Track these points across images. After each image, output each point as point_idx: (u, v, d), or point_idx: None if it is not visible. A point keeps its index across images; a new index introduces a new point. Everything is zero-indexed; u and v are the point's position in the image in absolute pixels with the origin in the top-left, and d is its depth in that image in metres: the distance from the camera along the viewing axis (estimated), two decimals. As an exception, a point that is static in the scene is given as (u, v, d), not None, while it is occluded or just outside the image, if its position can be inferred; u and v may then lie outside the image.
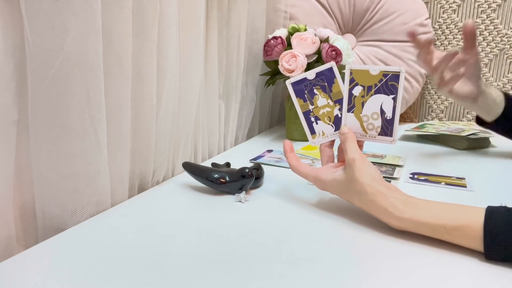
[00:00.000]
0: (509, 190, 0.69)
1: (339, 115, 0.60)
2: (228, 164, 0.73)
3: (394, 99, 0.57)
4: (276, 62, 0.99)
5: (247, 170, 0.65)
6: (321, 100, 0.60)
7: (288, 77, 0.98)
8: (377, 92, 0.57)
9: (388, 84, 0.57)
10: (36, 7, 0.47)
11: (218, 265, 0.45)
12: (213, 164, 0.72)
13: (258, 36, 1.07)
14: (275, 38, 0.99)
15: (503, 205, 0.47)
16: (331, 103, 0.60)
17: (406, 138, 1.09)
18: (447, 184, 0.72)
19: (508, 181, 0.74)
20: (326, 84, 0.59)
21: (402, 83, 0.56)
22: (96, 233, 0.53)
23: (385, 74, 0.56)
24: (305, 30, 1.03)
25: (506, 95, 0.83)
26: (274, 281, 0.42)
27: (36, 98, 0.50)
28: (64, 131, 0.53)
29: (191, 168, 0.68)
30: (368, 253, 0.48)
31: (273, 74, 1.05)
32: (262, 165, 0.74)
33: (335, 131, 0.61)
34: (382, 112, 0.58)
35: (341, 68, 1.04)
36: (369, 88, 0.58)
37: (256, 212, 0.60)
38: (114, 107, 0.60)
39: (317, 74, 0.59)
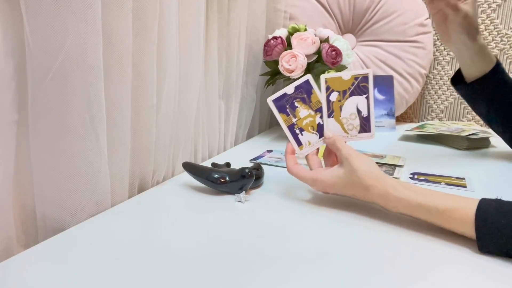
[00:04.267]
0: (509, 190, 0.69)
1: (321, 123, 0.64)
2: (228, 164, 0.73)
3: (367, 98, 0.63)
4: (276, 62, 0.99)
5: (247, 170, 0.65)
6: (303, 111, 0.63)
7: (288, 78, 0.98)
8: (352, 94, 0.63)
9: (360, 86, 0.63)
10: (36, 7, 0.47)
11: (218, 265, 0.45)
12: (213, 164, 0.72)
13: (258, 36, 1.07)
14: (275, 38, 0.99)
15: (499, 198, 0.49)
16: (312, 112, 0.64)
17: (406, 138, 1.09)
18: (447, 184, 0.72)
19: (508, 181, 0.74)
20: (305, 95, 0.63)
21: (371, 83, 0.63)
22: (96, 233, 0.53)
23: (356, 78, 0.63)
24: (305, 30, 1.02)
25: (497, 62, 0.81)
26: (274, 281, 0.42)
27: (36, 98, 0.50)
28: (64, 131, 0.53)
29: (191, 168, 0.68)
30: (368, 253, 0.48)
31: (273, 74, 1.05)
32: (262, 165, 0.74)
33: (319, 138, 0.65)
34: (359, 111, 0.63)
35: (341, 68, 1.04)
36: (344, 92, 0.63)
37: (256, 212, 0.60)
38: (114, 107, 0.60)
39: (296, 88, 0.63)
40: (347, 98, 0.63)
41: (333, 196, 0.64)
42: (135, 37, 0.61)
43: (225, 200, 0.64)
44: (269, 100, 0.63)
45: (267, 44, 1.00)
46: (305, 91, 0.63)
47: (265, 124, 1.24)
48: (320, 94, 0.63)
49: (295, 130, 0.63)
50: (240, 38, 0.96)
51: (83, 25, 0.51)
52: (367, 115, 0.63)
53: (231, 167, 0.72)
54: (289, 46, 1.00)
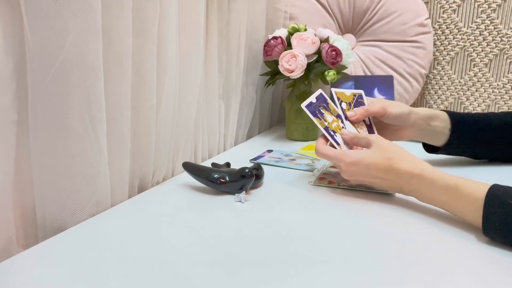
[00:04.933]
0: (509, 190, 0.69)
1: (344, 127, 0.72)
2: (228, 164, 0.73)
3: None
4: (276, 62, 0.99)
5: (247, 170, 0.65)
6: (329, 117, 0.70)
7: (288, 78, 0.98)
8: (355, 106, 0.75)
9: (358, 101, 0.76)
10: (36, 7, 0.47)
11: (218, 265, 0.45)
12: (213, 164, 0.72)
13: (258, 36, 1.07)
14: (275, 38, 0.99)
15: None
16: (335, 118, 0.71)
17: (406, 138, 1.08)
18: (447, 184, 0.72)
19: (508, 182, 0.74)
20: (324, 104, 0.72)
21: (366, 100, 0.76)
22: (96, 233, 0.53)
23: (354, 94, 0.76)
24: (305, 30, 1.02)
25: (448, 113, 0.79)
26: (274, 281, 0.42)
27: (36, 98, 0.50)
28: (64, 131, 0.53)
29: (191, 168, 0.68)
30: (370, 253, 0.48)
31: (273, 74, 1.04)
32: (262, 165, 0.74)
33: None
34: (364, 120, 0.75)
35: (342, 68, 1.04)
36: (349, 104, 0.75)
37: (256, 212, 0.60)
38: (114, 107, 0.60)
39: (317, 98, 0.72)
40: (352, 109, 0.74)
41: (334, 196, 0.64)
42: (135, 37, 0.61)
43: (225, 200, 0.64)
44: (303, 107, 0.69)
45: (267, 44, 1.00)
46: (323, 101, 0.72)
47: (265, 124, 1.24)
48: (332, 104, 0.73)
49: (330, 132, 0.68)
50: (240, 38, 0.96)
51: (83, 25, 0.51)
52: (369, 123, 0.75)
53: (231, 167, 0.72)
54: (289, 46, 1.00)
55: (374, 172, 0.61)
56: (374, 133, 0.74)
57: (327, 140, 0.68)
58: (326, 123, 0.69)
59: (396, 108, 0.74)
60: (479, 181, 0.53)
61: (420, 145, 0.83)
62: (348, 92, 0.76)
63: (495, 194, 0.49)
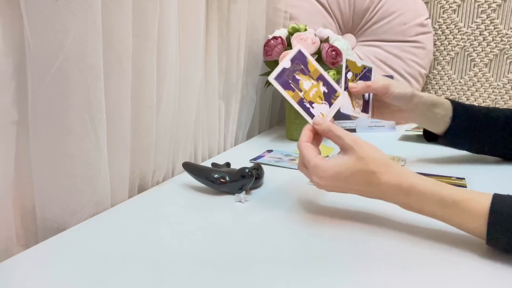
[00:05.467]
0: (509, 191, 0.69)
1: (325, 91, 0.64)
2: (228, 164, 0.73)
3: None
4: (276, 62, 0.99)
5: (247, 170, 0.65)
6: (306, 83, 0.62)
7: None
8: (360, 79, 0.72)
9: (366, 74, 0.73)
10: (36, 7, 0.47)
11: (218, 265, 0.45)
12: (213, 164, 0.72)
13: (258, 36, 1.06)
14: (275, 38, 0.99)
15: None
16: (314, 82, 0.63)
17: (406, 138, 1.09)
18: (447, 184, 0.72)
19: (508, 182, 0.74)
20: (302, 66, 0.63)
21: (373, 74, 0.74)
22: (96, 233, 0.53)
23: (364, 67, 0.73)
24: (305, 30, 1.02)
25: (452, 102, 0.78)
26: (274, 282, 0.42)
27: (36, 98, 0.50)
28: (64, 131, 0.53)
29: (191, 168, 0.68)
30: (370, 254, 0.48)
31: (273, 74, 1.05)
32: (262, 165, 0.74)
33: (329, 107, 0.64)
34: (363, 95, 0.73)
35: (341, 68, 1.03)
36: (356, 75, 0.72)
37: (256, 212, 0.60)
38: (114, 107, 0.60)
39: (292, 61, 0.62)
40: (357, 80, 0.71)
41: (334, 196, 0.63)
42: (135, 37, 0.61)
43: (225, 200, 0.64)
44: (271, 79, 0.60)
45: (267, 44, 1.00)
46: (301, 62, 0.63)
47: (265, 124, 1.24)
48: (316, 64, 0.65)
49: (305, 105, 0.60)
50: (240, 38, 0.96)
51: (83, 25, 0.51)
52: (367, 99, 0.73)
53: (231, 167, 0.72)
54: (289, 46, 1.00)
55: (353, 185, 0.53)
56: (368, 110, 0.73)
57: (313, 132, 0.58)
58: (301, 94, 0.60)
59: (400, 88, 0.73)
60: (478, 193, 0.48)
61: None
62: (359, 63, 0.73)
63: (499, 211, 0.44)
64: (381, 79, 0.74)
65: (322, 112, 0.62)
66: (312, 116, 0.60)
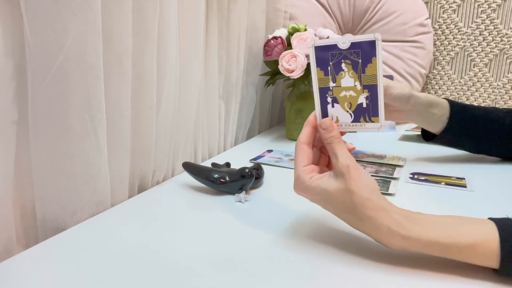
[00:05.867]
0: (509, 191, 0.69)
1: (364, 105, 0.48)
2: (228, 164, 0.73)
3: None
4: (276, 62, 0.99)
5: (247, 170, 0.65)
6: (348, 79, 0.48)
7: (288, 78, 0.98)
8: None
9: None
10: (36, 7, 0.47)
11: (218, 265, 0.45)
12: (213, 164, 0.72)
13: (258, 36, 1.07)
14: (275, 38, 0.99)
15: (507, 216, 0.44)
16: (359, 87, 0.48)
17: (406, 138, 1.09)
18: (447, 184, 0.72)
19: (508, 181, 0.74)
20: (360, 61, 0.47)
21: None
22: (96, 233, 0.53)
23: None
24: (305, 30, 1.02)
25: (449, 102, 0.78)
26: (274, 282, 0.42)
27: (36, 98, 0.50)
28: (64, 131, 0.53)
29: (191, 168, 0.68)
30: (370, 254, 0.48)
31: (273, 74, 1.05)
32: (262, 165, 0.74)
33: (352, 122, 0.50)
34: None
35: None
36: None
37: (256, 212, 0.60)
38: (114, 107, 0.60)
39: (352, 45, 0.47)
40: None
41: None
42: (135, 37, 0.61)
43: (225, 200, 0.64)
44: (311, 45, 0.48)
45: (267, 44, 1.00)
46: (362, 55, 0.46)
47: (265, 124, 1.24)
48: (380, 66, 0.46)
49: (326, 97, 0.49)
50: (240, 38, 0.96)
51: (83, 25, 0.51)
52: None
53: (231, 167, 0.72)
54: (289, 46, 1.00)
55: (338, 212, 0.47)
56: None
57: (313, 130, 0.50)
58: (332, 84, 0.48)
59: (398, 89, 0.73)
60: (481, 227, 0.42)
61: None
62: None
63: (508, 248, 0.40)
64: None
65: (339, 118, 0.50)
66: (325, 114, 0.50)
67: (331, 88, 0.48)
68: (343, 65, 0.47)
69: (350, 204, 0.45)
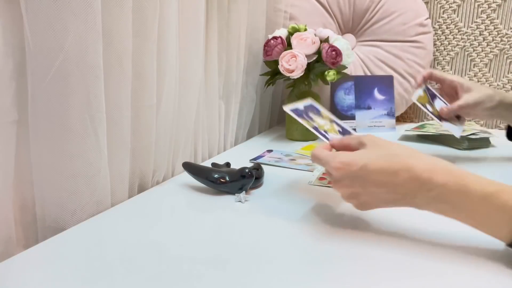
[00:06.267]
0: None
1: (340, 130, 0.65)
2: (228, 164, 0.73)
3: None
4: (276, 62, 0.99)
5: (247, 170, 0.65)
6: (320, 120, 0.64)
7: (288, 78, 0.98)
8: (431, 97, 0.84)
9: (430, 92, 0.85)
10: (36, 7, 0.47)
11: (218, 265, 0.45)
12: (213, 164, 0.72)
13: (258, 36, 1.07)
14: (275, 38, 0.99)
15: None
16: (328, 122, 0.65)
17: (406, 138, 1.09)
18: (447, 184, 0.71)
19: (508, 182, 0.74)
20: (315, 111, 0.66)
21: (435, 90, 0.86)
22: (96, 233, 0.53)
23: (424, 91, 0.85)
24: (305, 30, 1.02)
25: None
26: (273, 282, 0.42)
27: (36, 98, 0.50)
28: (64, 131, 0.53)
29: (191, 168, 0.68)
30: (370, 254, 0.48)
31: (273, 74, 1.05)
32: (262, 165, 0.74)
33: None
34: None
35: (342, 68, 1.03)
36: (429, 100, 0.82)
37: (256, 212, 0.60)
38: (114, 107, 0.60)
39: (304, 107, 0.66)
40: (433, 103, 0.82)
41: (333, 196, 0.63)
42: (135, 37, 0.61)
43: (225, 200, 0.64)
44: (287, 109, 0.63)
45: (267, 44, 1.00)
46: (312, 110, 0.66)
47: (265, 124, 1.24)
48: (327, 113, 0.67)
49: (320, 131, 0.61)
50: (240, 38, 0.96)
51: (83, 25, 0.51)
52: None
53: (231, 167, 0.72)
54: (289, 46, 1.00)
55: (375, 176, 0.47)
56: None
57: (330, 149, 0.58)
58: (314, 123, 0.62)
59: (486, 104, 0.77)
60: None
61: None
62: (416, 94, 0.81)
63: None
64: (465, 98, 0.77)
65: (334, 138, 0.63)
66: (327, 139, 0.60)
67: (317, 126, 0.63)
68: (311, 115, 0.65)
69: (386, 155, 0.48)
